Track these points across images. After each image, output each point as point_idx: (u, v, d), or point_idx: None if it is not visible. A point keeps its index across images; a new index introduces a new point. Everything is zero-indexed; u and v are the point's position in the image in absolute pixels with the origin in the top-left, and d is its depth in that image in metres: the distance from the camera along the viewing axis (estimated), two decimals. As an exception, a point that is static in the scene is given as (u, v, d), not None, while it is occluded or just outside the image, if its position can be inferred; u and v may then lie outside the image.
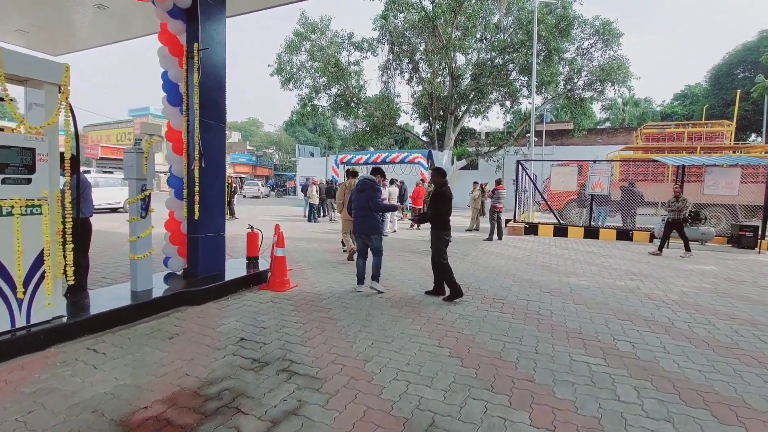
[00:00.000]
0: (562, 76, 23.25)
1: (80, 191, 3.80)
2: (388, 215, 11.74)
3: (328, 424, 2.28)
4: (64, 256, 3.26)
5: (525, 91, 25.03)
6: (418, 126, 37.99)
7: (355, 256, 5.62)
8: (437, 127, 27.38)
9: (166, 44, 4.79)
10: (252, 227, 5.83)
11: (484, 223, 13.50)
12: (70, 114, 3.26)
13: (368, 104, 25.70)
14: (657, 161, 12.16)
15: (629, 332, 3.92)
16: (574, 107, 23.39)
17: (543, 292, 5.41)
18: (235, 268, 5.45)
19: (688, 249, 8.58)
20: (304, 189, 15.99)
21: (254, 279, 5.27)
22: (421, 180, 15.32)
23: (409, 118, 31.31)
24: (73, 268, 3.32)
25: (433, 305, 4.66)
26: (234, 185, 15.55)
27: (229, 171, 51.02)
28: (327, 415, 2.36)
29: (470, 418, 2.38)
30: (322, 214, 16.13)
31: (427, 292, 5.15)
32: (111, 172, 19.70)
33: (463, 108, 25.88)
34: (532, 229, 11.97)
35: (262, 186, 35.34)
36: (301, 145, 45.82)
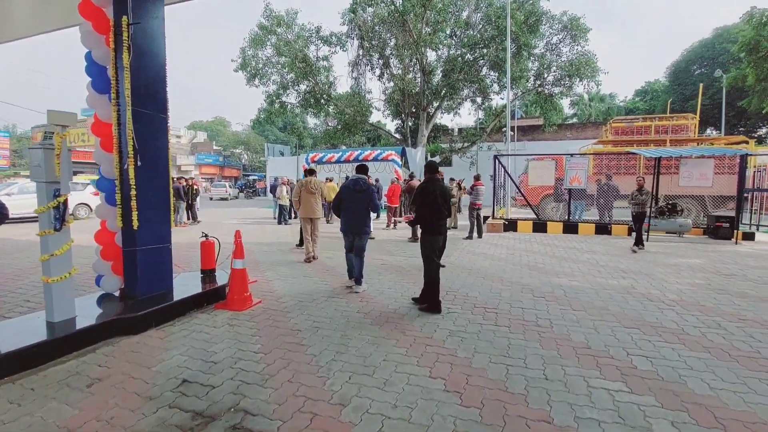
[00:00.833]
0: (532, 71, 23.30)
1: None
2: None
3: None
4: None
5: (496, 87, 24.98)
6: (391, 123, 37.53)
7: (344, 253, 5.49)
8: (410, 123, 26.92)
9: (90, 18, 3.94)
10: (207, 235, 5.03)
11: (462, 220, 13.10)
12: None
13: (339, 101, 24.91)
14: (634, 153, 12.11)
15: (641, 344, 3.46)
16: (544, 102, 23.50)
17: (536, 296, 4.93)
18: (187, 284, 4.66)
19: (639, 243, 8.40)
20: (273, 189, 15.09)
21: (210, 296, 4.50)
22: (396, 178, 14.74)
23: (381, 115, 30.76)
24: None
25: (419, 319, 4.07)
26: (196, 187, 14.44)
27: (194, 172, 49.07)
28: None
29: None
30: (293, 215, 15.26)
31: (415, 299, 4.58)
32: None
33: (435, 104, 25.53)
34: (511, 225, 11.64)
35: (230, 187, 33.76)
36: (271, 144, 44.27)
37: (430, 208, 4.35)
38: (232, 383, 2.73)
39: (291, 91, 24.96)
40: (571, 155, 11.57)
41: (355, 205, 5.14)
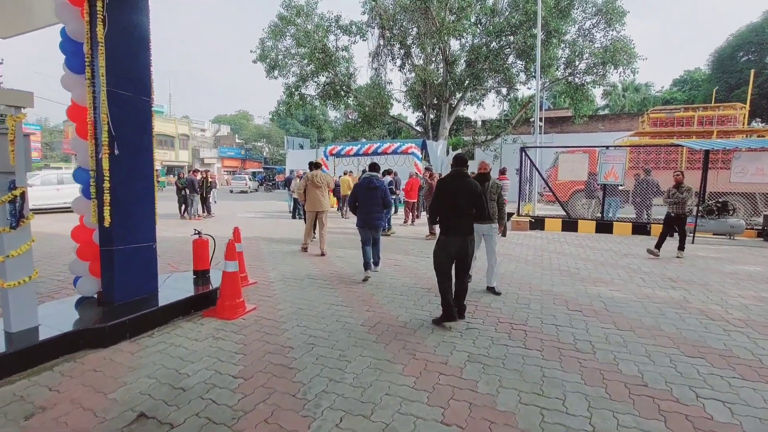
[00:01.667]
0: (563, 59, 21.99)
1: None
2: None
3: None
4: None
5: (522, 77, 23.79)
6: (412, 116, 36.69)
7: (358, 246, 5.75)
8: (431, 116, 26.09)
9: (63, -12, 3.49)
10: (200, 233, 4.57)
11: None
12: None
13: (359, 93, 24.30)
14: (678, 146, 11.01)
15: (712, 381, 2.75)
16: (575, 92, 22.16)
17: (572, 310, 4.23)
18: (176, 287, 4.21)
19: (682, 248, 7.15)
20: (288, 182, 14.69)
21: (199, 302, 4.03)
22: (416, 172, 14.08)
23: (401, 107, 29.96)
24: None
25: (433, 336, 3.47)
26: (211, 180, 14.20)
27: (217, 165, 49.69)
28: None
29: None
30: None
31: (435, 321, 3.94)
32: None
33: (458, 95, 24.57)
34: (538, 223, 10.81)
35: (250, 180, 33.80)
36: (291, 137, 44.22)
37: (446, 205, 3.75)
38: (195, 422, 2.22)
39: (310, 83, 24.56)
40: (607, 147, 10.59)
41: (369, 201, 5.48)
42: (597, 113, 30.31)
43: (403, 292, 4.85)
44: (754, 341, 3.45)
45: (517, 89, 25.47)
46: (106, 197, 3.39)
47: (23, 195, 2.91)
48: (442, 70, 23.91)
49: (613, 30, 20.12)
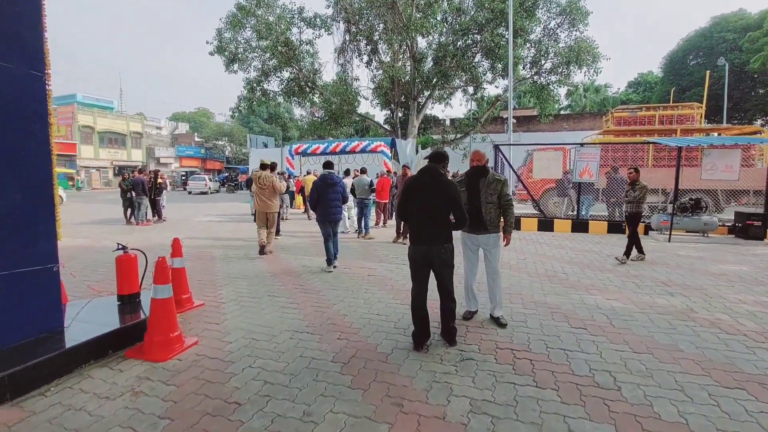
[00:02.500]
0: (528, 58, 22.08)
1: None
2: (347, 212, 9.89)
3: None
4: None
5: (489, 76, 23.76)
6: (380, 114, 36.10)
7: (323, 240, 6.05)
8: (399, 114, 25.55)
9: None
10: (124, 247, 3.64)
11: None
12: None
13: (325, 90, 23.33)
14: (654, 143, 11.02)
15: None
16: (540, 91, 22.34)
17: (575, 327, 3.68)
18: (91, 319, 3.29)
19: (640, 251, 6.61)
20: (249, 183, 13.58)
21: (121, 337, 3.14)
22: (387, 171, 13.43)
23: (369, 106, 29.33)
24: None
25: (422, 374, 2.78)
26: (161, 180, 12.86)
27: (175, 165, 46.81)
28: None
29: None
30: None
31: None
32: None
33: (426, 93, 24.19)
34: (514, 223, 10.43)
35: (210, 180, 31.90)
36: (254, 135, 42.39)
37: (412, 208, 3.21)
38: None
39: (273, 78, 23.33)
40: (582, 145, 10.40)
41: (329, 197, 5.86)
42: (560, 113, 30.97)
43: (380, 310, 4.14)
44: (785, 361, 3.01)
45: (484, 88, 25.47)
46: (-27, 206, 2.45)
47: None
48: (409, 67, 23.40)
49: (576, 30, 20.39)
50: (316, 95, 24.01)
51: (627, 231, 6.80)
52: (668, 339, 3.42)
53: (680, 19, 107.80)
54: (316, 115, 27.75)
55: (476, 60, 23.10)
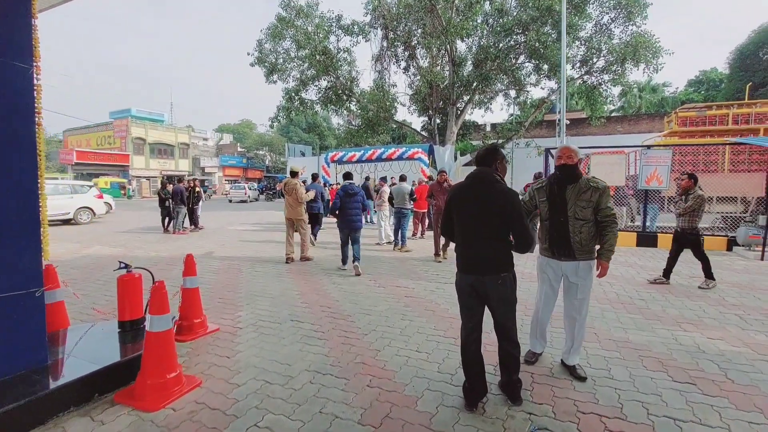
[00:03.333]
0: (578, 57, 20.63)
1: None
2: (384, 222, 9.29)
3: None
4: None
5: (533, 78, 22.50)
6: (416, 121, 35.46)
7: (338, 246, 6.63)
8: (437, 120, 24.79)
9: None
10: (127, 265, 3.19)
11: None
12: None
13: (362, 97, 23.07)
14: (737, 144, 9.61)
15: None
16: (591, 92, 20.78)
17: (679, 381, 2.78)
18: (85, 352, 2.84)
19: (708, 275, 5.29)
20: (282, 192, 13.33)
21: (115, 376, 2.65)
22: (426, 179, 12.72)
23: (406, 112, 28.86)
24: None
25: (479, 451, 2.04)
26: (198, 189, 12.89)
27: (218, 174, 48.61)
28: None
29: None
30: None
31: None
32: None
33: (466, 98, 23.28)
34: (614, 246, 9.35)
35: (250, 189, 32.57)
36: (292, 144, 43.13)
37: (457, 224, 2.49)
38: None
39: (311, 87, 23.39)
40: (649, 147, 9.18)
41: (349, 205, 6.17)
42: (611, 115, 28.87)
43: (420, 345, 3.43)
44: None
45: (527, 91, 24.20)
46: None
47: None
48: (448, 71, 22.65)
49: (632, 24, 18.76)
50: (353, 103, 23.81)
51: (671, 248, 5.60)
52: (825, 409, 2.46)
53: (747, 10, 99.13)
54: (353, 123, 27.59)
55: (519, 62, 21.99)
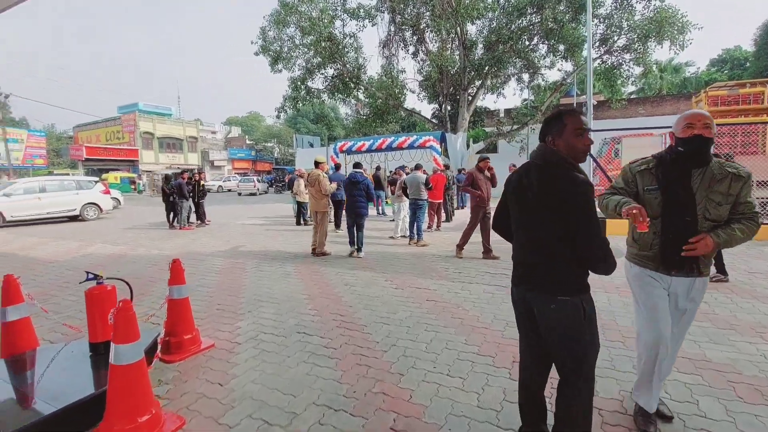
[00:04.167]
0: (597, 35, 19.51)
1: None
2: (402, 214, 8.70)
3: None
4: None
5: (548, 60, 21.45)
6: (427, 108, 34.51)
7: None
8: (448, 107, 23.90)
9: None
10: (95, 276, 2.65)
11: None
12: None
13: (370, 84, 22.28)
14: None
15: None
16: (611, 72, 19.70)
17: (795, 421, 2.16)
18: (44, 382, 2.32)
19: (720, 269, 4.79)
20: (291, 184, 12.80)
21: (75, 418, 2.13)
22: (439, 168, 12.05)
23: (415, 100, 28.00)
24: None
25: None
26: (203, 182, 12.41)
27: (227, 167, 48.38)
28: None
29: None
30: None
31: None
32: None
33: (477, 84, 22.34)
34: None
35: (259, 181, 32.16)
36: (300, 135, 42.54)
37: (514, 223, 1.88)
38: None
39: (317, 76, 22.66)
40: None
41: (355, 193, 6.64)
42: (631, 97, 27.56)
43: (451, 366, 2.84)
44: None
45: (542, 74, 23.13)
46: None
47: None
48: (459, 55, 21.70)
49: (656, -1, 17.56)
50: (361, 91, 23.05)
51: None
52: None
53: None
54: (361, 112, 26.85)
55: (533, 43, 20.96)
